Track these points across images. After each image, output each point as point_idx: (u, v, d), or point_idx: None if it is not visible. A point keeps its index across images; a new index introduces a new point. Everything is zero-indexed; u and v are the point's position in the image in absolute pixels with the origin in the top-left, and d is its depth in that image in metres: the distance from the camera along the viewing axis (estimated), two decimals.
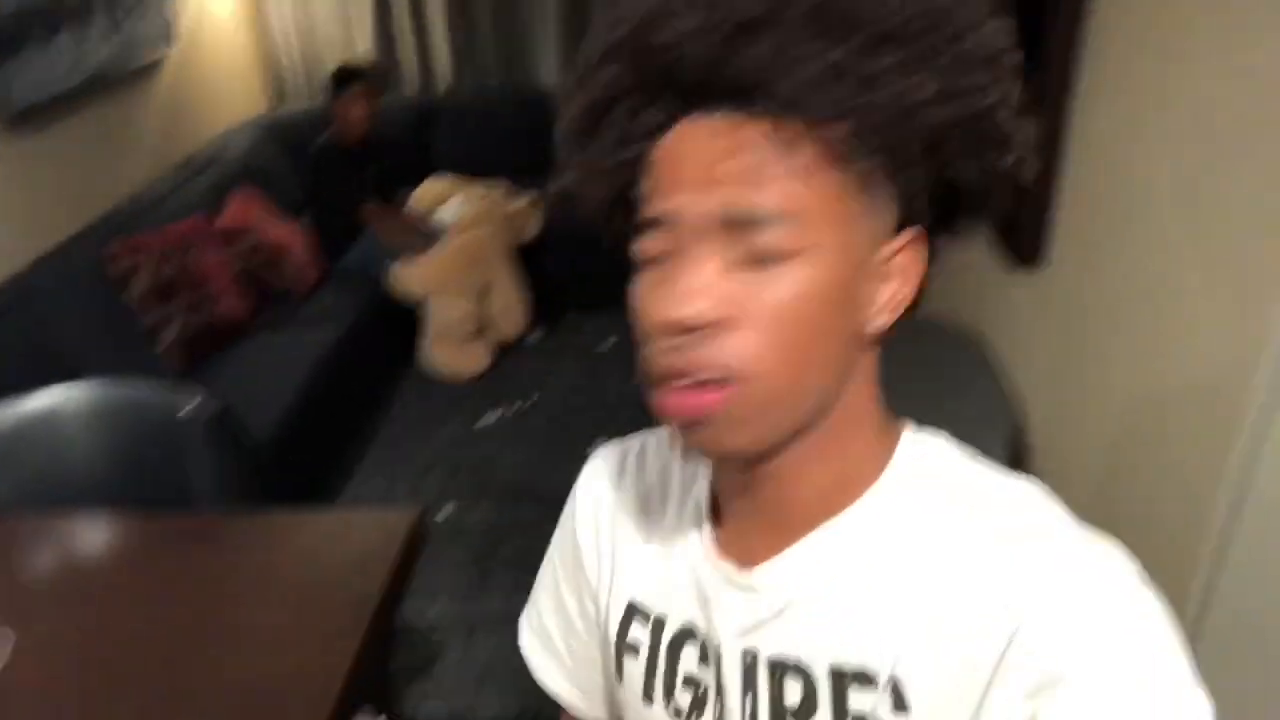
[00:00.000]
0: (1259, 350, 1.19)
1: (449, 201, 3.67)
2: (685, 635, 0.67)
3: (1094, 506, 1.61)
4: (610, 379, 3.41)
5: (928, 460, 0.61)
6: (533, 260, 3.69)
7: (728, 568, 0.64)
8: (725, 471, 0.65)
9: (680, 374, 0.53)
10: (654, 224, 0.54)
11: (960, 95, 0.51)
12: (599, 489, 0.77)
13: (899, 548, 0.58)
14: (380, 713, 1.60)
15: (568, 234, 3.72)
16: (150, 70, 3.39)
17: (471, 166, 3.94)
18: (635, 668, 0.71)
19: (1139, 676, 0.49)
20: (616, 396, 3.32)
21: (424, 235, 3.47)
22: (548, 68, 4.37)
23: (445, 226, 3.54)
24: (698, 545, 0.67)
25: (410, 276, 3.39)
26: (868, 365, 0.59)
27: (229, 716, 1.19)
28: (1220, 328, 1.30)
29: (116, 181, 3.13)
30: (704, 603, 0.65)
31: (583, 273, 3.86)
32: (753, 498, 0.62)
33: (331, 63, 4.29)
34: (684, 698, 0.67)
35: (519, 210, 3.67)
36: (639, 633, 0.71)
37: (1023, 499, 0.58)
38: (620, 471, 0.76)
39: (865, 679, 0.57)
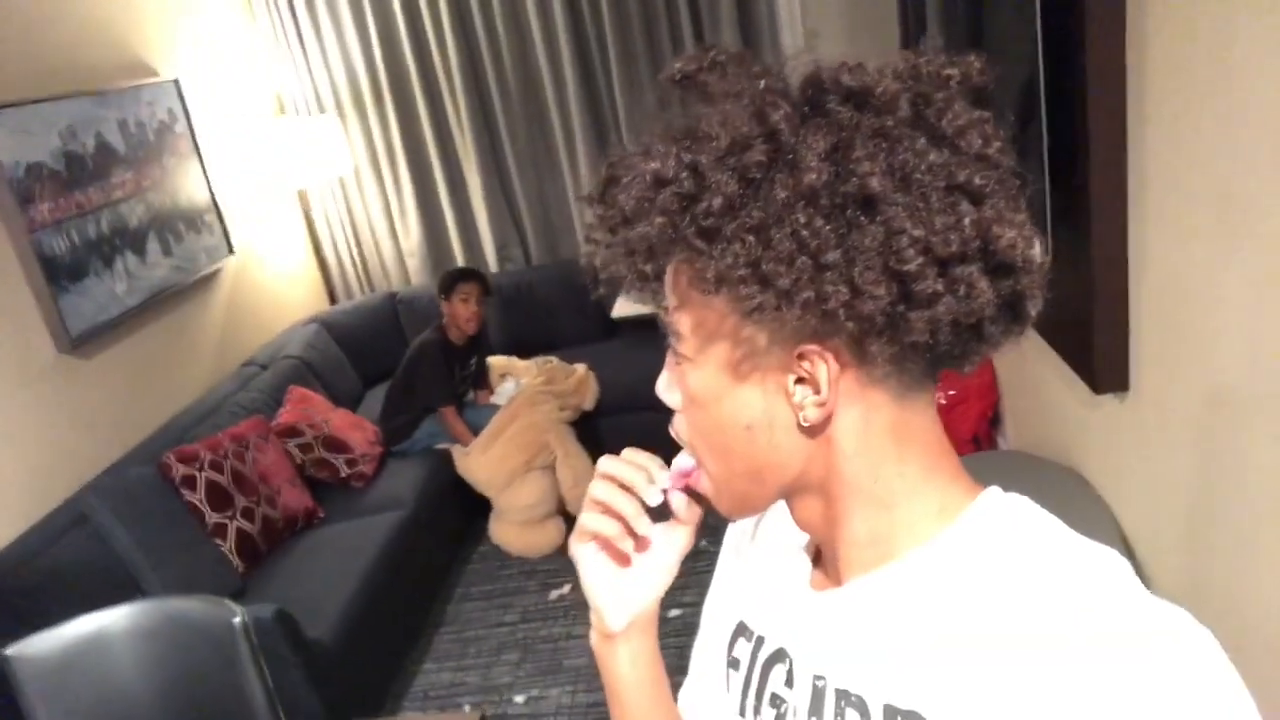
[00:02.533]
0: None
1: (506, 379, 3.68)
2: (778, 656, 0.72)
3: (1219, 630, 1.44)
4: None
5: (1003, 515, 0.62)
6: (591, 430, 3.66)
7: (814, 593, 0.70)
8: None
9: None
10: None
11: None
12: (739, 526, 0.85)
13: (962, 594, 0.59)
14: None
15: (623, 399, 3.71)
16: (209, 280, 3.54)
17: (520, 344, 3.99)
18: (736, 682, 0.76)
19: None
20: (689, 562, 3.16)
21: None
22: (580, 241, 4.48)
23: (501, 400, 3.55)
24: (797, 571, 0.73)
25: (480, 478, 3.37)
26: (855, 444, 0.62)
27: None
28: None
29: (178, 389, 3.22)
30: (796, 626, 0.71)
31: (643, 435, 3.81)
32: (816, 536, 0.69)
33: (384, 255, 4.51)
34: (768, 714, 0.72)
35: (578, 380, 3.65)
36: (742, 650, 0.76)
37: (1096, 567, 0.58)
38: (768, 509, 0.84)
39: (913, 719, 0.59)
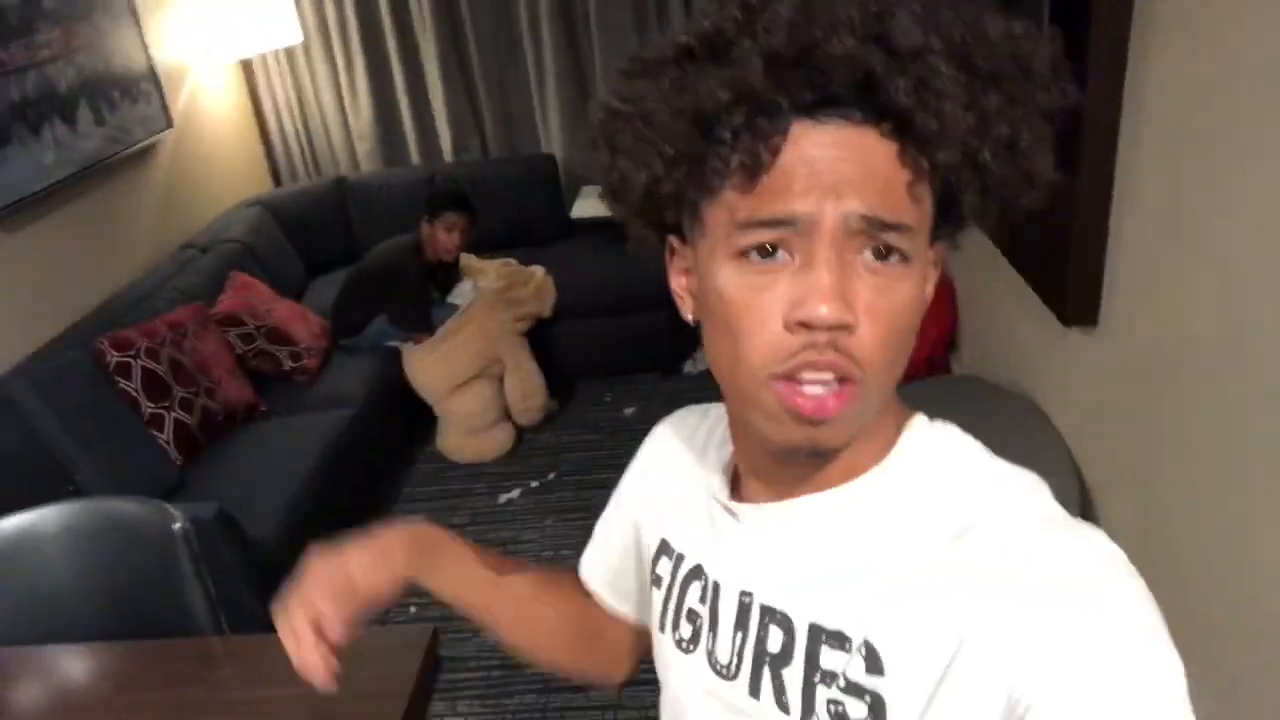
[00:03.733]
0: None
1: (462, 284, 3.56)
2: (695, 573, 0.74)
3: (1166, 574, 1.46)
4: (632, 449, 3.26)
5: (936, 444, 0.65)
6: (544, 333, 3.58)
7: (733, 503, 0.71)
8: (757, 454, 0.68)
9: (824, 365, 0.55)
10: (773, 223, 0.55)
11: (1039, 141, 0.56)
12: (664, 440, 0.86)
13: (893, 520, 0.62)
14: None
15: (580, 303, 3.63)
16: (146, 154, 3.33)
17: (481, 239, 3.84)
18: (658, 598, 0.79)
19: (1110, 649, 0.51)
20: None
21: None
22: (548, 133, 4.31)
23: (459, 301, 3.43)
24: (714, 488, 0.74)
25: (424, 382, 3.27)
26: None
27: None
28: None
29: (112, 271, 3.05)
30: (714, 541, 0.72)
31: (598, 342, 3.77)
32: (778, 471, 0.67)
33: (333, 138, 4.29)
34: (685, 629, 0.74)
35: (535, 286, 3.53)
36: (664, 567, 0.78)
37: (1014, 489, 0.61)
38: (685, 428, 0.84)
39: (839, 640, 0.61)
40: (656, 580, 0.79)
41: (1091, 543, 0.56)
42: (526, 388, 3.35)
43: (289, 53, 4.10)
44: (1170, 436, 1.57)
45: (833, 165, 0.54)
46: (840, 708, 0.60)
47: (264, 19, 3.64)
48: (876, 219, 0.54)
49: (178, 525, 1.44)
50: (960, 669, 0.54)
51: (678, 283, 0.68)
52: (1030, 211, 0.60)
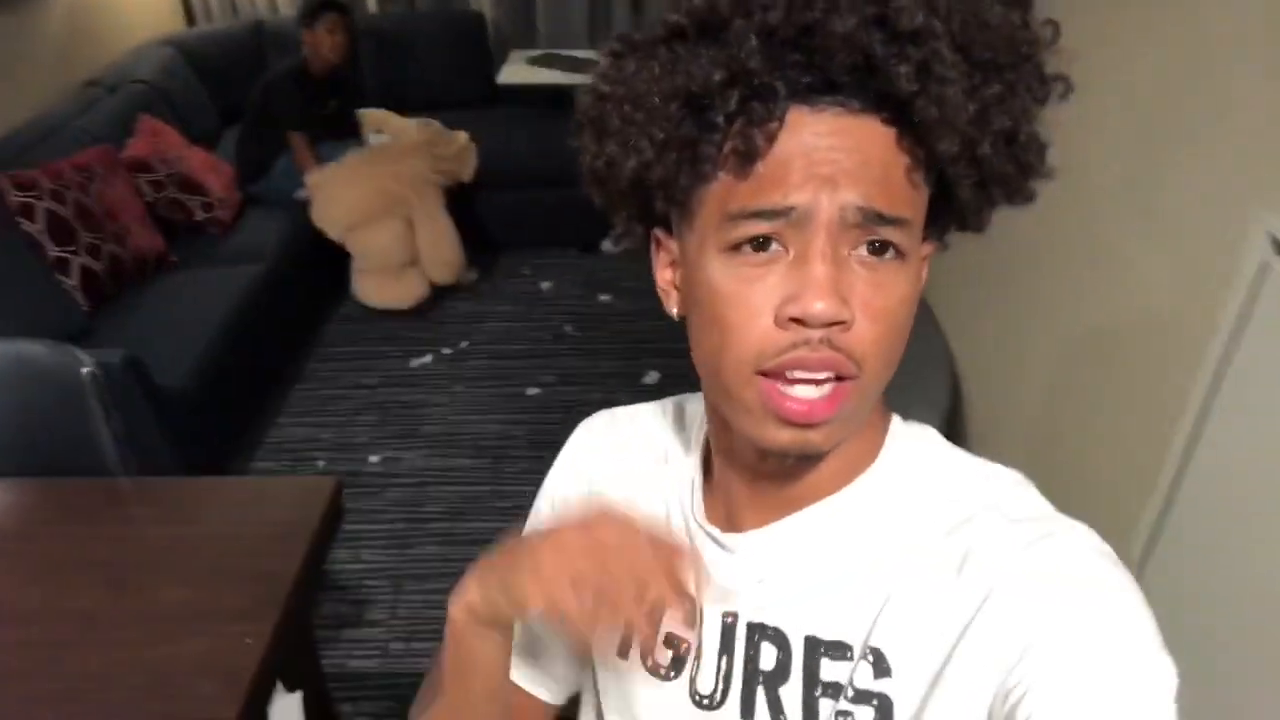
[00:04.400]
0: (1209, 289, 1.18)
1: (381, 132, 3.49)
2: None
3: (1032, 460, 1.63)
4: (548, 323, 3.35)
5: (917, 446, 0.64)
6: (464, 201, 3.55)
7: (715, 531, 0.67)
8: (743, 458, 0.64)
9: (817, 363, 0.53)
10: (767, 214, 0.53)
11: (1036, 135, 0.55)
12: (586, 457, 0.80)
13: (883, 525, 0.61)
14: (296, 689, 1.56)
15: (502, 174, 3.60)
16: None
17: (404, 97, 3.76)
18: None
19: (1106, 644, 0.51)
20: (553, 340, 3.27)
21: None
22: None
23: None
24: (687, 509, 0.70)
25: (327, 214, 3.23)
26: None
27: (138, 699, 1.14)
28: (1163, 270, 1.30)
29: (9, 105, 2.92)
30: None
31: (518, 214, 3.77)
32: (764, 479, 0.64)
33: None
34: (663, 655, 0.69)
35: (457, 149, 3.49)
36: None
37: (1002, 483, 0.61)
38: (612, 434, 0.79)
39: (840, 650, 0.60)
40: None
41: (1085, 538, 0.57)
42: (436, 237, 3.34)
43: None
44: (1028, 320, 1.72)
45: (830, 155, 0.51)
46: (848, 718, 0.59)
47: None
48: (874, 212, 0.52)
49: (85, 369, 1.47)
50: (960, 658, 0.54)
51: (663, 277, 0.64)
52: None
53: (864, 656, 0.58)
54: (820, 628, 0.61)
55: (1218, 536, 1.18)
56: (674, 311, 0.64)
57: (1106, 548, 0.56)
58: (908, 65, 0.50)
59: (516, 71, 3.96)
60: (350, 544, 2.38)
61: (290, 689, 1.53)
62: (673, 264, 0.63)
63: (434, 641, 2.12)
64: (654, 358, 3.12)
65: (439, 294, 3.44)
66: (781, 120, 0.51)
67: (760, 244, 0.53)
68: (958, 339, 2.08)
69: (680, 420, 0.77)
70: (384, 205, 3.24)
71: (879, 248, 0.53)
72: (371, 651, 2.12)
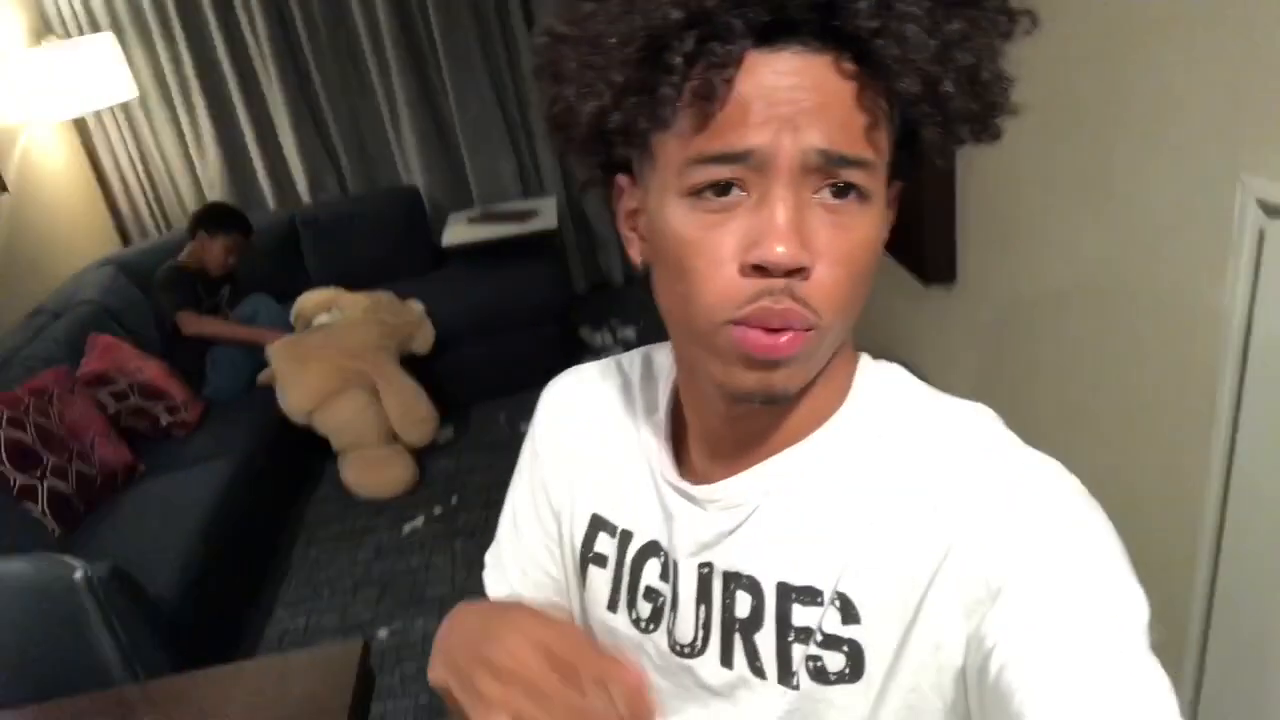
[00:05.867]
0: (1202, 343, 1.17)
1: (330, 310, 3.49)
2: (650, 550, 0.70)
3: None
4: None
5: (886, 388, 0.64)
6: (426, 362, 3.53)
7: (686, 486, 0.67)
8: (712, 403, 0.64)
9: (779, 315, 0.53)
10: (726, 158, 0.52)
11: (999, 72, 0.53)
12: (560, 410, 0.80)
13: (851, 470, 0.61)
14: None
15: (460, 330, 3.61)
16: None
17: (351, 278, 3.77)
18: (601, 577, 0.74)
19: (1076, 580, 0.50)
20: None
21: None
22: (406, 165, 4.29)
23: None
24: (658, 465, 0.70)
25: (286, 404, 3.18)
26: None
27: None
28: (1157, 321, 1.29)
29: None
30: (667, 519, 0.68)
31: (483, 365, 3.76)
32: (733, 429, 0.64)
33: (181, 190, 4.15)
34: (644, 608, 0.71)
35: (409, 320, 3.49)
36: (606, 545, 0.74)
37: (969, 422, 0.61)
38: (581, 393, 0.79)
39: (810, 595, 0.60)
40: (598, 559, 0.75)
41: (1053, 473, 0.56)
42: (405, 400, 3.27)
43: (125, 107, 3.94)
44: (1019, 378, 1.71)
45: (790, 95, 0.50)
46: (819, 663, 0.59)
47: (95, 75, 3.49)
48: (836, 154, 0.51)
49: (79, 574, 1.38)
50: (930, 605, 0.54)
51: (626, 224, 0.63)
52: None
53: (832, 602, 0.59)
54: (790, 574, 0.61)
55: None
56: (637, 259, 0.63)
57: (1075, 481, 0.56)
58: (867, 2, 0.49)
59: (458, 232, 4.04)
60: None
61: None
62: (635, 211, 0.62)
63: None
64: None
65: (418, 457, 3.36)
66: (740, 61, 0.50)
67: (722, 189, 0.53)
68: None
69: (649, 372, 0.76)
70: (340, 380, 3.20)
71: (841, 190, 0.52)
72: None
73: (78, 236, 3.83)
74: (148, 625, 1.96)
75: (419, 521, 3.06)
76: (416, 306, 3.56)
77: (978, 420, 0.61)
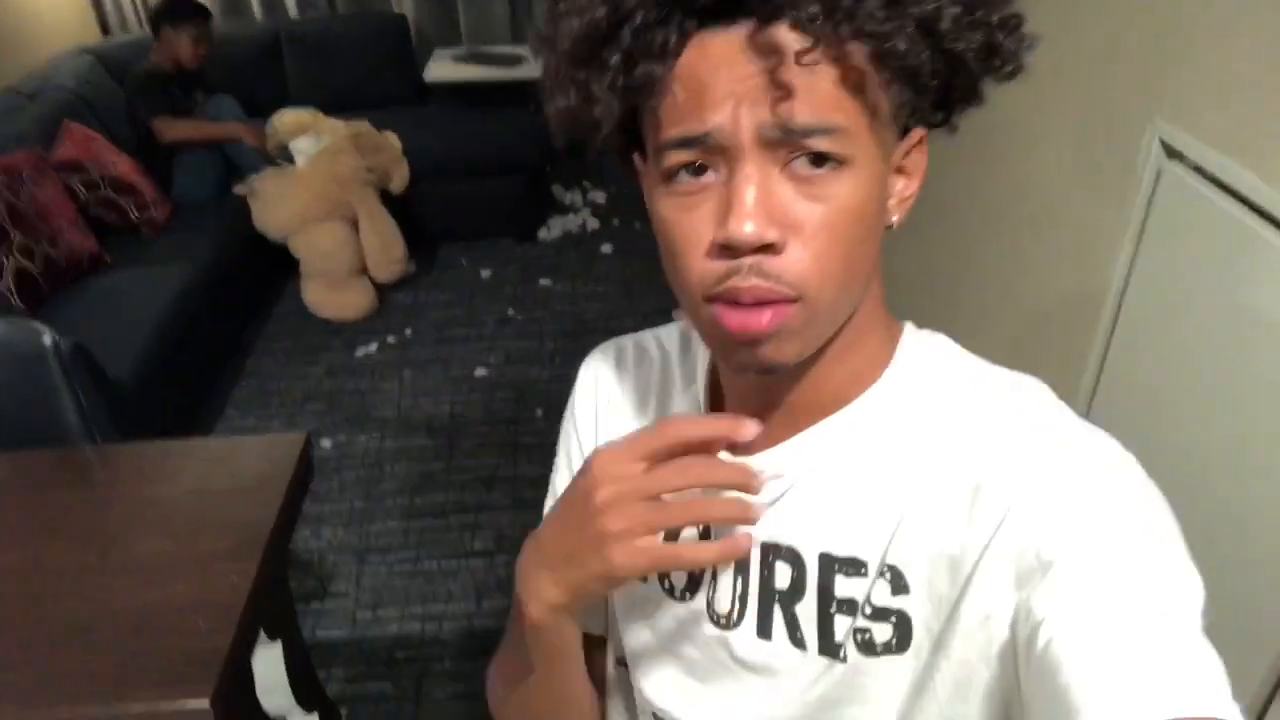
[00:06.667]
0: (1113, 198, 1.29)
1: (308, 133, 3.49)
2: None
3: None
4: (491, 308, 3.40)
5: (930, 356, 0.62)
6: (399, 196, 3.58)
7: (726, 457, 0.62)
8: (741, 373, 0.63)
9: (746, 293, 0.52)
10: (688, 141, 0.51)
11: (976, 17, 0.50)
12: (597, 383, 0.79)
13: (896, 440, 0.59)
14: (276, 638, 1.60)
15: (434, 167, 3.64)
16: None
17: (330, 101, 3.76)
18: None
19: (1130, 557, 0.49)
20: (497, 324, 3.32)
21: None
22: None
23: (298, 157, 3.38)
24: None
25: (269, 220, 3.24)
26: (878, 264, 0.59)
27: (125, 644, 1.16)
28: (1060, 248, 1.42)
29: None
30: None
31: (453, 207, 3.81)
32: (765, 397, 0.62)
33: None
34: (679, 577, 0.69)
35: (389, 156, 3.51)
36: None
37: (1021, 392, 0.59)
38: (619, 366, 0.78)
39: (854, 566, 0.59)
40: None
41: (1106, 447, 0.55)
42: (384, 238, 3.37)
43: None
44: (920, 282, 1.83)
45: (744, 70, 0.49)
46: (866, 635, 0.59)
47: None
48: (796, 126, 0.49)
49: (47, 339, 1.49)
50: (981, 577, 0.53)
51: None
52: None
53: (881, 574, 0.58)
54: (834, 544, 0.60)
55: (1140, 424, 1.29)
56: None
57: (1129, 456, 0.54)
58: None
59: (442, 69, 4.01)
60: (310, 524, 2.40)
61: (271, 638, 1.57)
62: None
63: (398, 607, 2.16)
64: (599, 335, 3.18)
65: (378, 287, 3.46)
66: (683, 43, 0.50)
67: (696, 170, 0.52)
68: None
69: (686, 345, 0.76)
70: (325, 208, 3.26)
71: (816, 159, 0.51)
72: (340, 621, 2.15)
73: (57, 21, 3.76)
74: (106, 400, 2.09)
75: (372, 348, 3.19)
76: (395, 142, 3.57)
77: (1030, 390, 0.59)
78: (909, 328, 0.64)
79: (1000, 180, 1.62)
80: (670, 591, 0.69)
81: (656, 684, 0.71)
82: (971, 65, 0.52)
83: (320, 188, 3.25)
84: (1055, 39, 1.41)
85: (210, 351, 3.03)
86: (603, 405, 0.77)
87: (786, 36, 0.48)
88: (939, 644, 0.56)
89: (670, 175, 0.53)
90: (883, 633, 0.58)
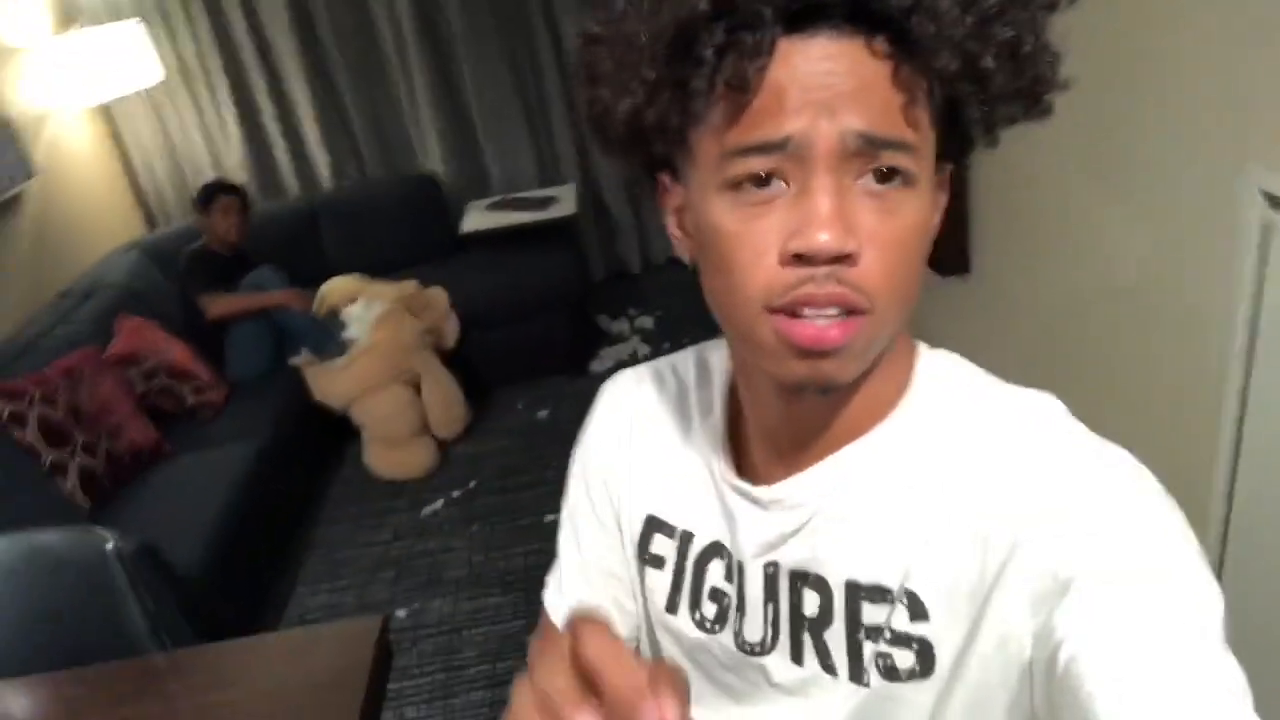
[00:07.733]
0: (1215, 334, 1.18)
1: (356, 301, 3.51)
2: (713, 551, 0.70)
3: None
4: (550, 451, 3.32)
5: (946, 379, 0.63)
6: (452, 349, 3.57)
7: (747, 487, 0.66)
8: (768, 398, 0.63)
9: (823, 303, 0.52)
10: (764, 148, 0.51)
11: (1043, 46, 0.52)
12: (614, 410, 0.79)
13: (915, 466, 0.59)
14: None
15: (480, 315, 3.65)
16: (12, 204, 3.22)
17: (371, 264, 3.80)
18: (660, 580, 0.73)
19: (1148, 571, 0.49)
20: (558, 468, 3.22)
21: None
22: (425, 153, 4.32)
23: (351, 324, 3.39)
24: (717, 467, 0.69)
25: (329, 388, 3.24)
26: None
27: None
28: (1166, 315, 1.31)
29: None
30: (729, 520, 0.68)
31: (502, 351, 3.80)
32: (791, 422, 0.63)
33: (204, 177, 4.20)
34: (709, 609, 0.70)
35: (438, 313, 3.51)
36: (663, 546, 0.73)
37: (1035, 412, 0.59)
38: (635, 395, 0.79)
39: (879, 593, 0.59)
40: (654, 560, 0.74)
41: (1122, 464, 0.55)
42: (447, 396, 3.34)
43: (150, 93, 4.00)
44: (1031, 369, 1.72)
45: (825, 80, 0.49)
46: (889, 660, 0.59)
47: (121, 61, 3.54)
48: (876, 136, 0.50)
49: (110, 545, 1.43)
50: (998, 600, 0.53)
51: (671, 222, 0.63)
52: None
53: (900, 600, 0.58)
54: (858, 572, 0.60)
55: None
56: (685, 258, 0.62)
57: (1145, 473, 0.54)
58: None
59: (477, 219, 4.07)
60: (391, 705, 2.26)
61: None
62: (680, 209, 0.61)
63: None
64: None
65: (437, 440, 3.40)
66: (771, 50, 0.49)
67: (762, 181, 0.52)
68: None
69: (705, 373, 0.76)
70: (388, 372, 3.25)
71: (885, 174, 0.51)
72: None
73: (104, 220, 3.90)
74: (174, 599, 2.02)
75: (438, 504, 3.11)
76: (442, 297, 3.59)
77: (1044, 409, 0.59)
78: (922, 347, 0.64)
79: (1080, 268, 1.53)
80: (700, 624, 0.71)
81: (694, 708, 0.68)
82: (1027, 93, 0.53)
83: (381, 350, 3.25)
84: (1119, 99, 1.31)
85: (276, 530, 2.97)
86: (637, 421, 0.77)
87: (872, 49, 0.49)
88: (958, 668, 0.56)
89: (735, 184, 0.53)
90: (904, 659, 0.58)
